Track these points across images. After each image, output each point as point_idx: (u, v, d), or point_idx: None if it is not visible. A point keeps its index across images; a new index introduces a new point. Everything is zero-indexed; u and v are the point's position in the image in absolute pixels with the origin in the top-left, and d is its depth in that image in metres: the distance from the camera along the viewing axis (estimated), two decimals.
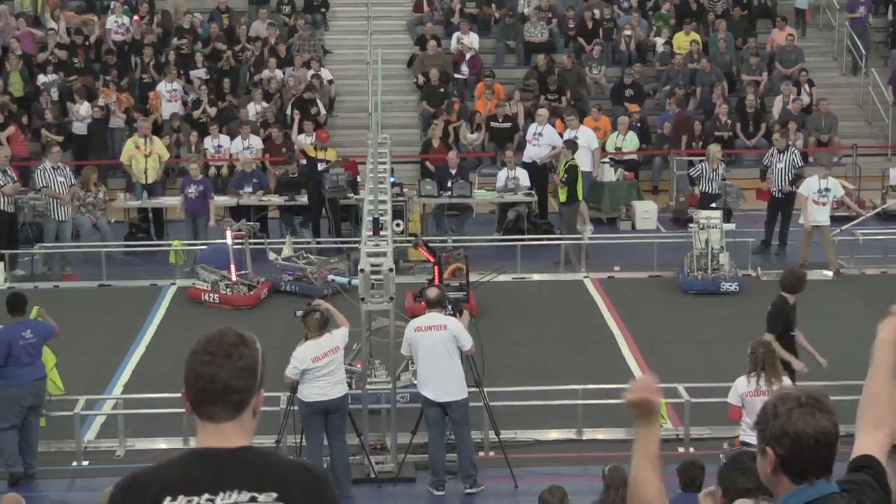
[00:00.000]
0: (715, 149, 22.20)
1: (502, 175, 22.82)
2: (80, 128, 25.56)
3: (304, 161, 22.58)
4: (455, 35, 28.82)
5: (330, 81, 27.88)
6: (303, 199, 22.09)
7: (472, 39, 28.75)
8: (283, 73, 27.42)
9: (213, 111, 26.10)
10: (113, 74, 26.86)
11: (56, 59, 27.21)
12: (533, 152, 23.24)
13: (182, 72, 27.35)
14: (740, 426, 11.84)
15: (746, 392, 11.62)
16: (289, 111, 26.31)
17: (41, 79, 26.63)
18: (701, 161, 22.50)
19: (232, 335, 3.90)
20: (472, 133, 25.94)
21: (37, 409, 13.21)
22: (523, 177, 22.61)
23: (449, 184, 22.30)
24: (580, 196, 21.64)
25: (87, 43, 27.84)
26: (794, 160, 21.43)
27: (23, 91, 26.43)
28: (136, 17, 28.70)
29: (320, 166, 21.97)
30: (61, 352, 16.09)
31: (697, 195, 21.93)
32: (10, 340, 12.94)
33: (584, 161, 22.63)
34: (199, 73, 27.01)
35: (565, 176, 21.27)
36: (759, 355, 11.73)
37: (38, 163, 22.27)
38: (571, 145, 21.82)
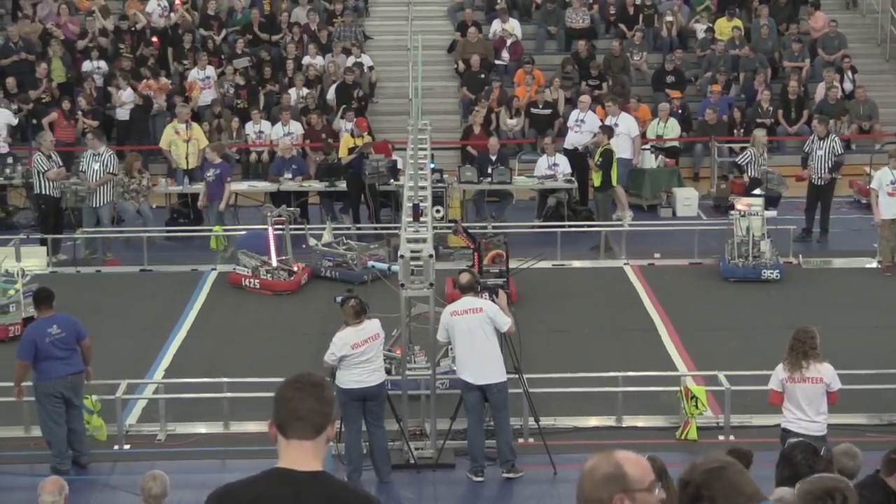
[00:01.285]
0: (760, 134, 22.11)
1: (542, 162, 22.79)
2: (122, 113, 25.72)
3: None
4: (494, 22, 28.79)
5: (371, 68, 27.92)
6: (343, 185, 22.14)
7: (514, 26, 28.71)
8: (324, 59, 27.49)
9: (253, 98, 26.18)
10: (153, 62, 27.08)
11: (99, 45, 27.37)
12: (575, 139, 23.18)
13: (223, 57, 27.48)
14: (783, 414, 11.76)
15: (788, 378, 11.57)
16: (330, 97, 26.41)
17: (85, 65, 26.80)
18: (747, 147, 22.42)
19: (317, 376, 4.48)
20: (511, 118, 25.91)
21: (74, 402, 13.06)
22: (563, 163, 22.58)
23: (489, 170, 22.29)
24: (614, 181, 21.64)
25: (132, 29, 27.98)
26: (834, 147, 21.26)
27: (65, 77, 26.60)
28: (177, 2, 28.76)
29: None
30: (103, 336, 16.25)
31: (746, 181, 21.84)
32: (34, 338, 12.87)
33: (624, 148, 22.58)
34: (243, 62, 27.11)
35: (600, 160, 21.27)
36: (791, 342, 11.68)
37: (82, 147, 22.42)
38: (607, 130, 21.84)
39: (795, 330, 11.83)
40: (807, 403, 11.44)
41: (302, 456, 4.32)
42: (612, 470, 4.34)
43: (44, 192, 20.68)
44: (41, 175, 20.57)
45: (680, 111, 25.90)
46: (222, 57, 27.50)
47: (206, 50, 27.39)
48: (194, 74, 26.66)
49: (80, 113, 25.41)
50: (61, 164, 21.06)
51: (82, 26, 28.32)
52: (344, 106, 25.34)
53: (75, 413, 13.11)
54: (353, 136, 22.82)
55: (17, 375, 13.02)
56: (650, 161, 23.89)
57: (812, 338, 11.64)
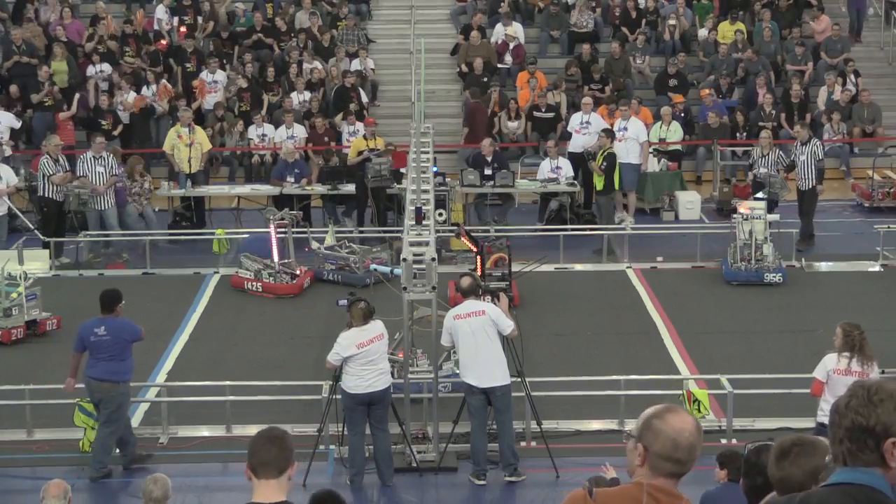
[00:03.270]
0: (764, 134, 22.11)
1: (545, 165, 22.78)
2: (124, 117, 25.71)
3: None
4: (497, 26, 28.77)
5: (373, 70, 27.94)
6: (345, 189, 22.19)
7: (516, 29, 28.70)
8: (327, 63, 27.50)
9: (256, 101, 26.21)
10: (149, 63, 27.19)
11: (106, 48, 27.39)
12: (582, 141, 23.15)
13: (226, 61, 27.49)
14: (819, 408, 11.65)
15: (836, 370, 11.44)
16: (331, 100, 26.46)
17: (90, 70, 26.81)
18: (754, 148, 22.44)
19: (280, 430, 5.71)
20: (511, 121, 25.91)
21: (103, 410, 12.94)
22: (566, 167, 22.57)
23: (486, 171, 22.22)
24: (617, 185, 21.63)
25: (136, 33, 28.00)
26: (815, 152, 21.06)
27: (67, 81, 26.58)
28: (182, 30, 28.61)
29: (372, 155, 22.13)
30: None
31: (751, 181, 21.88)
32: (82, 333, 13.01)
33: (632, 153, 22.53)
34: (245, 67, 27.14)
35: (604, 164, 21.27)
36: (855, 337, 11.52)
37: (82, 151, 22.43)
38: (610, 133, 21.82)
39: (850, 325, 11.66)
40: None
41: (269, 491, 5.47)
42: (701, 427, 4.70)
43: (47, 196, 20.70)
44: (46, 178, 20.59)
45: (682, 114, 25.90)
46: (223, 62, 27.46)
47: (215, 53, 27.40)
48: (204, 76, 26.69)
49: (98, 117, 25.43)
50: (68, 167, 21.08)
51: (86, 29, 28.36)
52: (348, 107, 25.34)
53: (101, 420, 13.04)
54: (365, 139, 22.74)
55: (70, 366, 13.15)
56: (653, 164, 23.89)
57: (864, 333, 11.60)
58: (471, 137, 25.08)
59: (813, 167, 20.90)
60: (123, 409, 13.08)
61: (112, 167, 21.08)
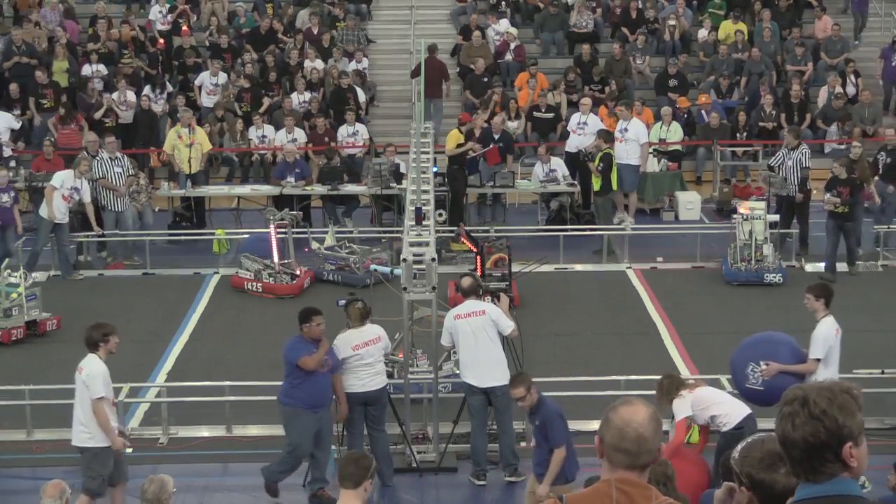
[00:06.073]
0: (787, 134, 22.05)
1: (538, 169, 22.70)
2: (126, 116, 25.69)
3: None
4: (491, 27, 28.72)
5: (367, 70, 27.93)
6: (346, 189, 22.22)
7: (503, 26, 28.63)
8: (326, 64, 27.49)
9: (256, 102, 26.20)
10: (147, 64, 27.21)
11: (106, 49, 27.39)
12: (578, 141, 23.15)
13: (226, 61, 27.48)
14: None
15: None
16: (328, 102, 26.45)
17: (85, 69, 26.81)
18: (781, 149, 22.36)
19: (359, 452, 7.01)
20: (511, 121, 25.90)
21: None
22: (560, 167, 22.54)
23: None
24: (614, 186, 21.64)
25: (134, 36, 28.00)
26: (801, 160, 20.67)
27: (67, 81, 26.58)
28: (184, 29, 28.63)
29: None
30: None
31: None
32: None
33: (633, 154, 22.49)
34: (245, 68, 27.15)
35: (601, 165, 21.27)
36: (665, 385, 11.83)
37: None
38: (605, 134, 21.83)
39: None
40: None
41: (348, 499, 7.65)
42: (657, 418, 4.61)
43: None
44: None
45: (686, 115, 25.87)
46: (222, 59, 27.47)
47: (217, 56, 27.41)
48: (204, 78, 26.70)
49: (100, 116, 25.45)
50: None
51: (84, 30, 28.38)
52: (345, 109, 25.35)
53: None
54: (460, 131, 22.56)
55: None
56: (653, 165, 23.87)
57: None
58: (428, 91, 24.21)
59: (799, 174, 20.65)
60: (288, 432, 12.44)
61: (128, 168, 21.05)
